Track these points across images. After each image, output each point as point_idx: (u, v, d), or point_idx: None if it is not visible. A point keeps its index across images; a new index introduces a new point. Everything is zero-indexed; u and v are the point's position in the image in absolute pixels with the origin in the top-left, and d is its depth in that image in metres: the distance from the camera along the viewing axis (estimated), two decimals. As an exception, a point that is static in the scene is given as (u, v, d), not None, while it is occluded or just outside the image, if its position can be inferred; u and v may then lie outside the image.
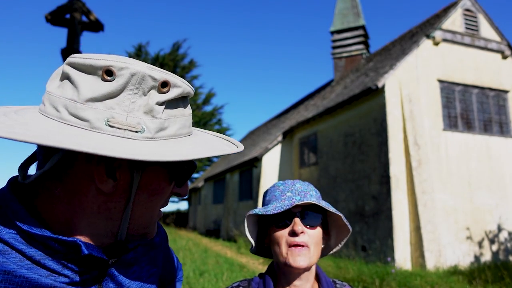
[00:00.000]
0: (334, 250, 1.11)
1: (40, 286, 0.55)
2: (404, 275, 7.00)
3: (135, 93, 0.57)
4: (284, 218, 1.01)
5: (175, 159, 0.56)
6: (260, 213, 1.00)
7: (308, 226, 0.99)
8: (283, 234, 1.00)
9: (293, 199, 0.99)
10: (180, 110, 0.64)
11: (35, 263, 0.56)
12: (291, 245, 0.98)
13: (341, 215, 1.01)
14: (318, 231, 1.01)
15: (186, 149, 0.60)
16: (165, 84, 0.59)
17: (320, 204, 0.97)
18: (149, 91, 0.58)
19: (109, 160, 0.58)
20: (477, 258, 9.10)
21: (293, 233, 0.98)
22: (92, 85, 0.56)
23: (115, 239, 0.64)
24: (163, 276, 0.92)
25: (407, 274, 7.14)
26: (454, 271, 7.68)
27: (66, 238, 0.57)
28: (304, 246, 0.97)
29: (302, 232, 0.97)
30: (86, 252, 0.57)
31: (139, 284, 0.72)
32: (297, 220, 0.98)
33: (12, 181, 0.63)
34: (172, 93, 0.60)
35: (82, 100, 0.55)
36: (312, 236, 0.99)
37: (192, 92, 0.66)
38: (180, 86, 0.61)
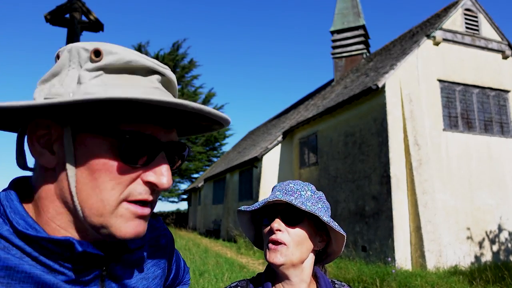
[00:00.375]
0: (338, 254, 1.12)
1: (42, 282, 0.56)
2: (404, 275, 6.99)
3: (72, 68, 0.59)
4: (268, 217, 1.04)
5: (86, 98, 0.51)
6: (243, 209, 1.04)
7: (288, 225, 1.01)
8: (265, 231, 1.03)
9: (275, 197, 1.01)
10: (128, 78, 0.60)
11: (35, 260, 0.57)
12: (270, 242, 1.00)
13: (320, 215, 0.99)
14: (299, 230, 1.01)
15: (109, 91, 0.54)
16: (98, 53, 0.58)
17: (290, 202, 0.97)
18: (85, 63, 0.59)
19: (39, 128, 0.59)
20: (477, 258, 9.09)
21: (271, 231, 1.00)
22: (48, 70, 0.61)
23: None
24: (169, 278, 0.92)
25: (407, 274, 7.13)
26: (455, 272, 7.67)
27: (58, 237, 0.57)
28: (282, 244, 0.98)
29: (278, 230, 0.99)
30: (80, 249, 0.57)
31: (145, 285, 0.72)
32: (277, 219, 1.01)
33: (18, 179, 0.65)
34: (107, 60, 0.58)
35: (38, 84, 0.61)
36: (292, 235, 1.00)
37: (146, 63, 0.60)
38: (116, 52, 0.58)
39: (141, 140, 0.58)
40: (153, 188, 0.60)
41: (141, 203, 0.60)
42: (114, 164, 0.58)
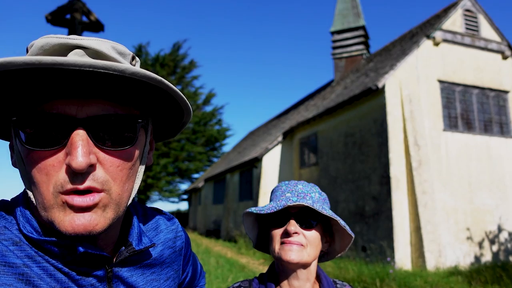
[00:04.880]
0: (339, 255, 1.12)
1: (54, 278, 0.57)
2: (404, 275, 7.00)
3: None
4: (280, 218, 1.03)
5: None
6: (255, 211, 1.02)
7: (304, 227, 1.01)
8: (277, 233, 1.02)
9: (290, 200, 1.00)
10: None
11: (40, 262, 0.58)
12: (283, 243, 1.00)
13: (338, 219, 1.00)
14: (315, 232, 1.02)
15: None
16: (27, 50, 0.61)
17: (313, 207, 0.97)
18: None
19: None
20: (477, 258, 9.09)
21: (287, 233, 0.99)
22: None
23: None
24: (185, 281, 0.92)
25: (407, 274, 7.14)
26: (454, 272, 7.68)
27: (60, 240, 0.57)
28: (298, 245, 0.99)
29: (295, 233, 0.99)
30: (81, 250, 0.56)
31: (155, 286, 0.72)
32: (292, 221, 1.00)
33: None
34: (31, 52, 0.59)
35: None
36: (308, 237, 1.00)
37: (58, 41, 0.56)
38: (33, 44, 0.59)
39: (45, 122, 0.54)
40: (76, 173, 0.53)
41: (81, 192, 0.54)
42: (33, 154, 0.55)
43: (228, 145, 61.68)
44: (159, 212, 0.85)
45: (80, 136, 0.53)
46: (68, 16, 6.15)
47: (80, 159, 0.51)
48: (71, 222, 0.53)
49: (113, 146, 0.57)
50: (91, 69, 0.49)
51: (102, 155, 0.56)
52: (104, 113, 0.56)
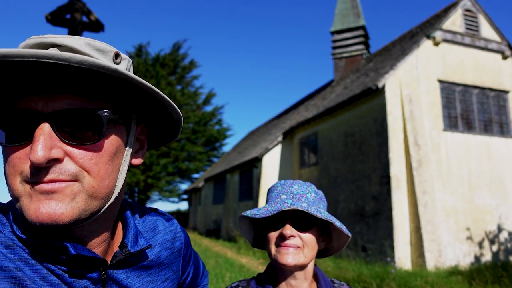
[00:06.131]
0: (336, 253, 1.12)
1: (47, 281, 0.57)
2: (404, 275, 7.00)
3: None
4: (275, 221, 1.02)
5: None
6: (250, 216, 1.01)
7: (300, 230, 1.00)
8: (274, 236, 1.02)
9: (285, 203, 0.99)
10: None
11: (33, 264, 0.57)
12: (280, 246, 1.00)
13: (333, 221, 0.99)
14: (311, 234, 1.02)
15: None
16: None
17: (307, 211, 0.96)
18: None
19: None
20: (477, 258, 9.10)
21: (283, 236, 0.99)
22: None
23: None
24: (186, 281, 0.92)
25: (407, 274, 7.14)
26: (454, 272, 7.68)
27: (50, 241, 0.57)
28: (294, 247, 0.98)
29: (292, 236, 0.98)
30: (73, 252, 0.56)
31: (152, 287, 0.72)
32: (287, 225, 0.99)
33: None
34: None
35: None
36: (304, 239, 1.00)
37: (33, 41, 0.57)
38: (19, 46, 0.60)
39: (13, 118, 0.55)
40: (39, 167, 0.53)
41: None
42: (6, 150, 0.56)
43: (228, 145, 61.74)
44: (157, 212, 0.85)
45: (42, 131, 0.53)
46: (68, 16, 6.15)
47: (38, 153, 0.51)
48: (36, 210, 0.53)
49: (80, 140, 0.56)
50: (34, 59, 0.48)
51: (69, 149, 0.55)
52: (70, 107, 0.56)
